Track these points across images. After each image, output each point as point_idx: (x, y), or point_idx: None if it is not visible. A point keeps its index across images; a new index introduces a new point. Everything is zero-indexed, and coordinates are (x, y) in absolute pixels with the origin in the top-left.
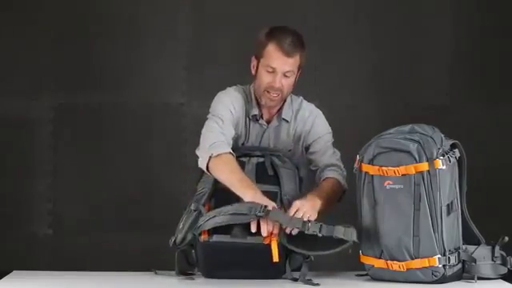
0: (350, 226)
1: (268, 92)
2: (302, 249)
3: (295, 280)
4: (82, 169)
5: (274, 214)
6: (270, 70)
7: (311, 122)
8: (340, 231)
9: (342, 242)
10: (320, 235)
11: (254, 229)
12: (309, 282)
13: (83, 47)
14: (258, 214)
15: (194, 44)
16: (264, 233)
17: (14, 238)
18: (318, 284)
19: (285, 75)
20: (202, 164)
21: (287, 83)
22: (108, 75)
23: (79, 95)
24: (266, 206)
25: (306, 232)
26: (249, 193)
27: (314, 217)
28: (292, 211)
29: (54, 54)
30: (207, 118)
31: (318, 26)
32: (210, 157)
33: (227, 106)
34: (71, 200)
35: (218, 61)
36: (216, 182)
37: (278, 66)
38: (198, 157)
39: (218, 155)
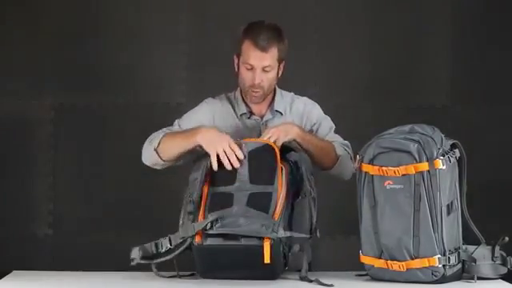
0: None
1: (250, 89)
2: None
3: (310, 281)
4: (82, 169)
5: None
6: (249, 67)
7: (308, 112)
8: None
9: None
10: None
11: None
12: (321, 283)
13: (83, 47)
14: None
15: (194, 44)
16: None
17: (14, 237)
18: (331, 285)
19: (264, 70)
20: (155, 164)
21: (267, 78)
22: (108, 75)
23: (79, 95)
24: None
25: None
26: (195, 137)
27: (279, 141)
28: (265, 135)
29: (55, 53)
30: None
31: (318, 25)
32: (156, 150)
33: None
34: (71, 200)
35: (217, 61)
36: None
37: (256, 63)
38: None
39: (159, 144)
